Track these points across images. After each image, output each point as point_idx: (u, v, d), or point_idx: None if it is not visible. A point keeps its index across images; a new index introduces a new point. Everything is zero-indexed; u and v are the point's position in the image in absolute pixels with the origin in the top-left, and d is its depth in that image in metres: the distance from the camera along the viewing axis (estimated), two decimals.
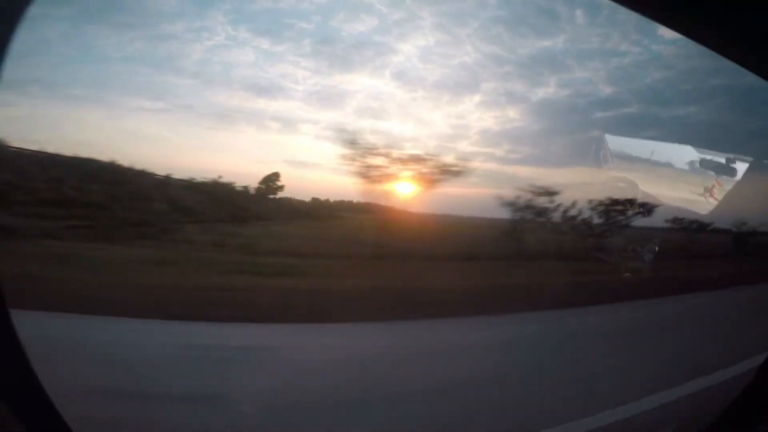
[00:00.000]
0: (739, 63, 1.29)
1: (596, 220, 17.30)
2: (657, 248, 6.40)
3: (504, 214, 18.74)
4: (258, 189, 15.92)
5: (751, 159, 2.60)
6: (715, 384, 3.68)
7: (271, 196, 16.23)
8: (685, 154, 2.75)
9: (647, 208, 13.06)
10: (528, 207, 15.90)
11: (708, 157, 2.61)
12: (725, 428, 1.80)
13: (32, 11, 1.01)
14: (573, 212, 14.36)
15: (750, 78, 1.31)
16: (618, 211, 14.92)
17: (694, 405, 3.31)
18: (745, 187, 2.76)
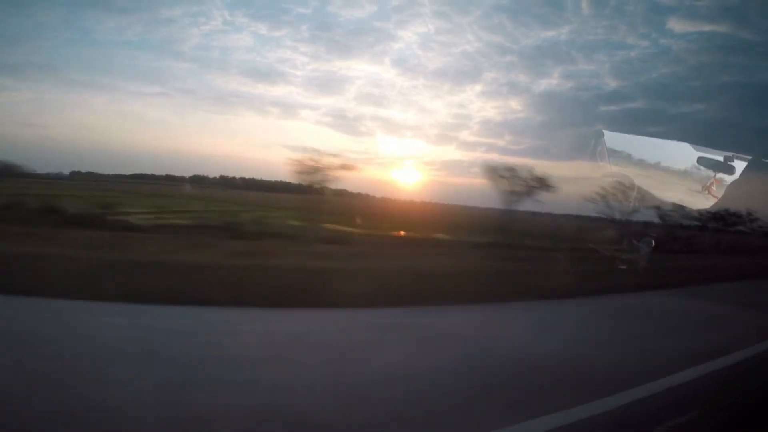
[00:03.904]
0: None
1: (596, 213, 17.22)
2: (653, 242, 6.40)
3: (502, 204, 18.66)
4: None
5: (750, 157, 2.57)
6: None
7: None
8: (683, 151, 2.72)
9: None
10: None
11: (706, 154, 2.58)
12: None
13: None
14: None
15: (763, 75, 1.24)
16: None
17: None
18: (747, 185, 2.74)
